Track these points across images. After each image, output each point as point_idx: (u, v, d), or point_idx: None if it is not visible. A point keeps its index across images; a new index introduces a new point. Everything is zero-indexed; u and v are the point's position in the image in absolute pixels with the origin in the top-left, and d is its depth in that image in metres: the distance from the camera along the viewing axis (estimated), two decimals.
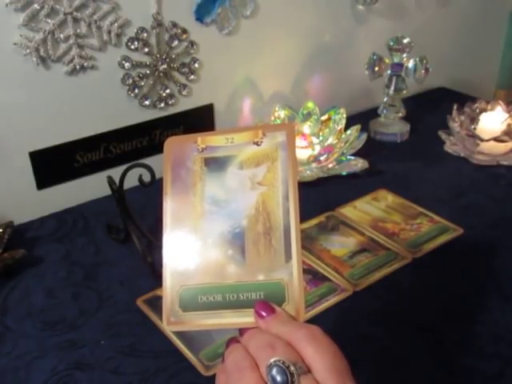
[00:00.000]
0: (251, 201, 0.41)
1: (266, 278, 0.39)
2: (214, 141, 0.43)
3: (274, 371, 0.32)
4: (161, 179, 0.44)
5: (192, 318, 0.40)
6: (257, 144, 0.42)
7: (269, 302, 0.38)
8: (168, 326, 0.40)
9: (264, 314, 0.37)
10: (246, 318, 0.38)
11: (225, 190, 0.42)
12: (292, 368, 0.32)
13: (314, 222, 0.79)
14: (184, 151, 0.43)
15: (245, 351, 0.35)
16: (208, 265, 0.40)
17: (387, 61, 1.01)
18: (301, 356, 0.34)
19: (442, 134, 1.01)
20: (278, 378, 0.32)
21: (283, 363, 0.32)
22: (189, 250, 0.41)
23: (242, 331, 0.38)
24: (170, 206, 0.42)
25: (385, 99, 1.04)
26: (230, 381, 0.34)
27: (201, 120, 0.95)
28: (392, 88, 1.02)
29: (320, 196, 0.86)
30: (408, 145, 1.04)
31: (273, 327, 0.36)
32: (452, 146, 0.99)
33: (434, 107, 1.14)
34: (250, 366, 0.34)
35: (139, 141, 0.89)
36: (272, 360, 0.33)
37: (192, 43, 0.87)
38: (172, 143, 0.44)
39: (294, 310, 0.38)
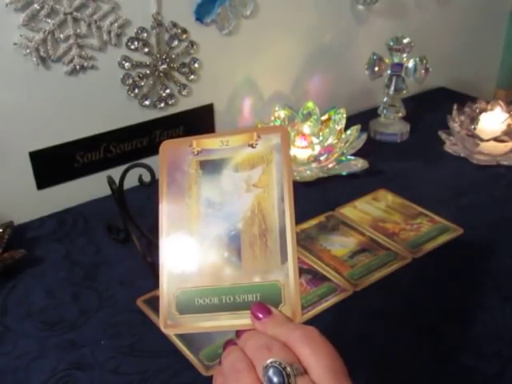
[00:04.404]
0: (247, 203, 0.41)
1: (262, 279, 0.39)
2: (209, 144, 0.43)
3: (271, 372, 0.32)
4: None
5: (189, 321, 0.40)
6: (252, 146, 0.42)
7: (265, 303, 0.38)
8: (165, 329, 0.40)
9: (260, 315, 0.37)
10: (242, 320, 0.39)
11: (220, 193, 0.42)
12: (288, 369, 0.32)
13: (313, 221, 0.79)
14: (179, 154, 0.43)
15: (241, 353, 0.35)
16: (204, 267, 0.40)
17: (387, 61, 1.01)
18: (297, 357, 0.34)
19: (442, 134, 1.01)
20: (275, 379, 0.32)
21: (280, 364, 0.32)
22: (185, 253, 0.41)
23: (238, 333, 0.38)
24: (166, 210, 0.42)
25: (385, 99, 1.04)
26: (227, 382, 0.34)
27: (201, 120, 0.95)
28: (392, 88, 1.02)
29: (320, 196, 0.86)
30: (408, 145, 1.04)
31: (269, 329, 0.36)
32: (452, 146, 0.99)
33: (434, 107, 1.14)
34: (246, 367, 0.34)
35: (139, 141, 0.89)
36: (268, 361, 0.33)
37: (192, 43, 0.87)
38: (167, 147, 0.44)
39: (290, 311, 0.38)
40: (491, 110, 0.98)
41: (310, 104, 0.94)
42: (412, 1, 1.16)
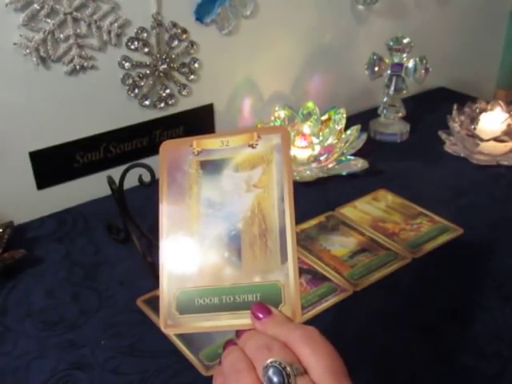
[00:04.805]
0: (247, 203, 0.41)
1: (262, 279, 0.39)
2: (209, 144, 0.43)
3: (271, 372, 0.32)
4: None
5: (189, 321, 0.40)
6: (252, 147, 0.42)
7: (265, 303, 0.38)
8: (165, 329, 0.40)
9: (260, 315, 0.37)
10: (242, 320, 0.39)
11: (221, 193, 0.42)
12: (288, 369, 0.32)
13: (313, 221, 0.79)
14: (180, 155, 0.43)
15: (241, 353, 0.35)
16: (204, 267, 0.40)
17: (387, 61, 1.01)
18: (297, 357, 0.34)
19: (442, 134, 1.01)
20: (275, 379, 0.32)
21: (279, 364, 0.32)
22: (185, 253, 0.41)
23: (238, 333, 0.38)
24: (166, 210, 0.42)
25: (385, 99, 1.04)
26: (227, 382, 0.34)
27: (201, 120, 0.95)
28: (392, 88, 1.02)
29: (320, 196, 0.86)
30: (408, 145, 1.04)
31: (269, 329, 0.36)
32: (452, 146, 0.99)
33: (433, 107, 1.14)
34: (246, 367, 0.34)
35: (139, 141, 0.89)
36: (268, 361, 0.33)
37: (192, 43, 0.87)
38: (168, 147, 0.44)
39: (290, 311, 0.38)
40: (491, 110, 0.98)
41: (310, 104, 0.94)
42: (412, 1, 1.16)
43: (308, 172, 0.89)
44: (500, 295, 0.65)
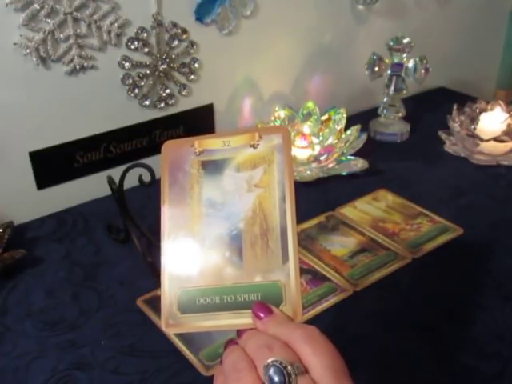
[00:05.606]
0: (248, 203, 0.41)
1: (263, 279, 0.39)
2: (210, 144, 0.43)
3: (272, 371, 0.32)
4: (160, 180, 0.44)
5: (190, 320, 0.40)
6: (253, 147, 0.43)
7: (266, 303, 0.38)
8: (166, 329, 0.40)
9: (261, 315, 0.37)
10: (243, 320, 0.39)
11: (222, 193, 0.42)
12: (289, 368, 0.32)
13: (313, 221, 0.79)
14: (181, 155, 0.43)
15: (242, 352, 0.35)
16: (206, 267, 0.40)
17: (387, 61, 1.01)
18: (298, 356, 0.34)
19: (442, 134, 1.01)
20: (276, 379, 0.32)
21: (280, 363, 0.32)
22: (187, 253, 0.41)
23: (239, 332, 0.38)
24: (167, 210, 0.42)
25: (385, 99, 1.04)
26: (228, 381, 0.34)
27: (201, 120, 0.95)
28: (392, 88, 1.02)
29: (320, 196, 0.86)
30: (408, 145, 1.04)
31: (270, 328, 0.36)
32: (452, 146, 0.99)
33: (434, 107, 1.14)
34: (247, 366, 0.34)
35: (139, 141, 0.89)
36: (269, 360, 0.33)
37: (192, 43, 0.87)
38: (169, 147, 0.44)
39: (291, 310, 0.38)
40: (491, 110, 0.98)
41: (310, 104, 0.94)
42: (412, 1, 1.16)
43: (308, 172, 0.89)
44: (500, 295, 0.65)
